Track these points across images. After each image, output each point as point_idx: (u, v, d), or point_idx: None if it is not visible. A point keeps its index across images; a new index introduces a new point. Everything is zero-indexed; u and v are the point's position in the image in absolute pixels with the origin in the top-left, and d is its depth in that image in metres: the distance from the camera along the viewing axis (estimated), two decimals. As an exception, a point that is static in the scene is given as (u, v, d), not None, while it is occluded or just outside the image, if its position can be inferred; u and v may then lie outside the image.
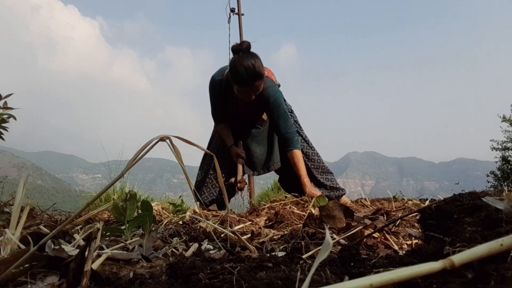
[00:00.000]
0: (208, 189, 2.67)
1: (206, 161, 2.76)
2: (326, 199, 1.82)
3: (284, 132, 2.45)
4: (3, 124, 2.12)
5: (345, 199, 2.64)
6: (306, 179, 2.38)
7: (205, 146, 2.88)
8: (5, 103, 2.11)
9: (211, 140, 2.86)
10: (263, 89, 2.31)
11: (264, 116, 2.65)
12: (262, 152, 2.72)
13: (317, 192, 2.35)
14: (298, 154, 2.44)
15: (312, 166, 2.64)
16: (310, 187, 2.36)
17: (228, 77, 2.33)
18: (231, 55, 2.26)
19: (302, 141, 2.66)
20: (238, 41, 2.35)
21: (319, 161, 2.69)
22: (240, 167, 2.50)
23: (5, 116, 2.10)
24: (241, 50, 2.20)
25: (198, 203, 2.68)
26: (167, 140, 0.65)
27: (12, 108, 2.12)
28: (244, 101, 2.33)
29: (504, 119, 15.09)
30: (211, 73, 2.50)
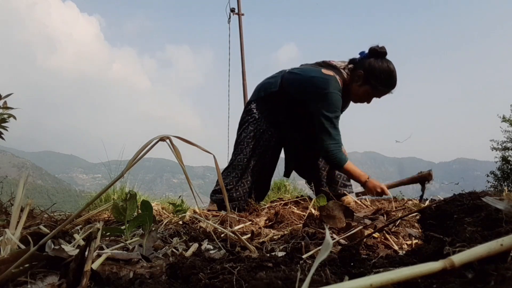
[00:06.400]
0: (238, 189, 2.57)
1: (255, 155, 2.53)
2: (326, 199, 1.82)
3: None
4: (3, 124, 2.12)
5: (349, 199, 2.62)
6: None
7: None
8: (5, 102, 2.11)
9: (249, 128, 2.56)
10: None
11: None
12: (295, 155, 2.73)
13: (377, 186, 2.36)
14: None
15: None
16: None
17: (345, 77, 2.39)
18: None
19: None
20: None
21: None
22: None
23: (5, 116, 2.10)
24: (384, 55, 2.30)
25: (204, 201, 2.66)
26: (167, 140, 0.65)
27: (12, 108, 2.12)
28: (357, 102, 2.48)
29: (504, 119, 15.10)
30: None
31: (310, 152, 2.70)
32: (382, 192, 2.26)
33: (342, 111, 2.63)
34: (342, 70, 2.40)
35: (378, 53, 2.29)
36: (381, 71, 2.24)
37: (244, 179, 2.57)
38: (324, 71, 2.36)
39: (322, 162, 2.68)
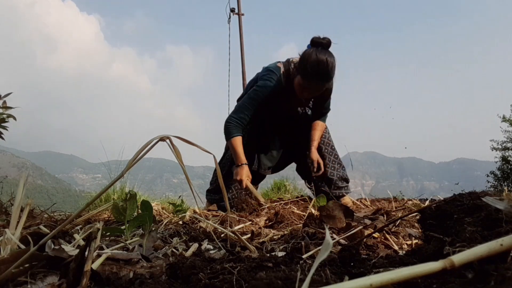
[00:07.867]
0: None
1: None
2: (326, 198, 1.82)
3: (326, 110, 2.60)
4: (3, 124, 2.12)
5: (346, 199, 2.59)
6: (315, 144, 2.53)
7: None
8: (4, 102, 2.11)
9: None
10: None
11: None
12: (280, 153, 2.74)
13: (318, 158, 2.49)
14: (322, 125, 2.59)
15: (326, 151, 2.64)
16: (315, 152, 2.50)
17: (290, 69, 2.35)
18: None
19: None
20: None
21: (332, 148, 2.70)
22: (254, 190, 2.32)
23: (4, 116, 2.10)
24: (321, 45, 2.17)
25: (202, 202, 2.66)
26: (167, 140, 0.66)
27: (11, 108, 2.12)
28: (299, 97, 2.39)
29: (504, 119, 15.10)
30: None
31: (294, 155, 2.75)
32: (239, 183, 2.32)
33: (323, 109, 2.58)
34: (292, 64, 2.38)
35: (315, 43, 2.19)
36: (308, 60, 2.12)
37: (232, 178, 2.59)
38: (278, 63, 2.42)
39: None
